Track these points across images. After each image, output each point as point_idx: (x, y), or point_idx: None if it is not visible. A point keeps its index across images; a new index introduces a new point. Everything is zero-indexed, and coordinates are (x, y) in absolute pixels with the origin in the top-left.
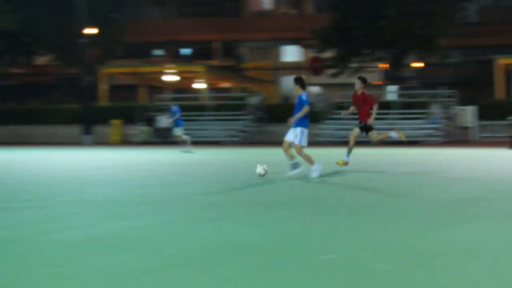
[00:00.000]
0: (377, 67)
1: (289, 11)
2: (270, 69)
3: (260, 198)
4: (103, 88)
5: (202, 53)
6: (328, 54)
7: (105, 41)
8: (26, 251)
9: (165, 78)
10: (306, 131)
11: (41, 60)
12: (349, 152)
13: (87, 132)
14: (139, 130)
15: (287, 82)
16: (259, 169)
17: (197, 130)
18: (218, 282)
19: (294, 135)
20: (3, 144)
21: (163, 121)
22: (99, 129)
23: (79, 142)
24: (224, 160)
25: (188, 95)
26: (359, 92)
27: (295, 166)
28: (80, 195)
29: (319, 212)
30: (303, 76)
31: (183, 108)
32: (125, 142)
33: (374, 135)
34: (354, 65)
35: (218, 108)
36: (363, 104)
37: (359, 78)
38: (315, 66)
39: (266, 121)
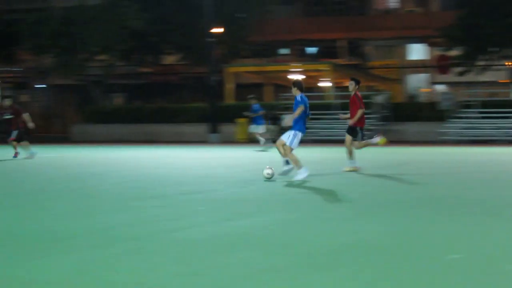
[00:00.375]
0: (504, 65)
1: (414, 9)
2: (396, 68)
3: (386, 196)
4: (229, 87)
5: (327, 52)
6: (454, 52)
7: (231, 40)
8: (153, 249)
9: (290, 76)
10: (300, 134)
11: (169, 59)
12: (351, 157)
13: (214, 130)
14: (265, 128)
15: (414, 80)
16: (266, 171)
17: (322, 129)
18: (344, 280)
19: (287, 136)
20: (132, 142)
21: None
22: (225, 128)
23: (206, 141)
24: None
25: (314, 93)
26: (352, 93)
27: (288, 162)
28: (206, 193)
29: (442, 212)
30: (301, 80)
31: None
32: (251, 140)
33: (349, 140)
34: (481, 63)
35: (344, 106)
36: (352, 106)
37: (352, 79)
38: (441, 65)
39: (391, 120)
